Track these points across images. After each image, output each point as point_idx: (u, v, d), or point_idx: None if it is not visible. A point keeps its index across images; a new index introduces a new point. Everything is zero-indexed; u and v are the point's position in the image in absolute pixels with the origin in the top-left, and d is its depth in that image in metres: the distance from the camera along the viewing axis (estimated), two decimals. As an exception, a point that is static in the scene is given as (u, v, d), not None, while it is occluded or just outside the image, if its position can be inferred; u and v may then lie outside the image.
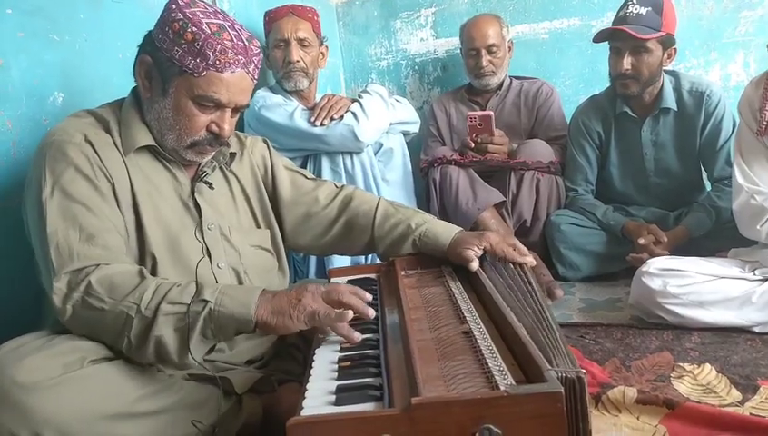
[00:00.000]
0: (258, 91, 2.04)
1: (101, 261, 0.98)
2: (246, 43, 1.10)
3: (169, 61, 1.07)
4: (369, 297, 1.02)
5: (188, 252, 1.14)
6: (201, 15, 1.07)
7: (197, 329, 0.93)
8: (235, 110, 1.14)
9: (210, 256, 1.16)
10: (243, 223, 1.28)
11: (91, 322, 0.95)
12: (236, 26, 1.11)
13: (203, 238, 1.17)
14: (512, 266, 1.18)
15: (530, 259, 1.20)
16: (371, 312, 0.98)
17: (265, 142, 1.40)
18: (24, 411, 0.84)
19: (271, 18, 2.03)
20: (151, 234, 1.09)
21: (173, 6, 1.08)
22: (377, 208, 1.35)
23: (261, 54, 1.15)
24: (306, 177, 1.41)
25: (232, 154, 1.28)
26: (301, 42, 2.00)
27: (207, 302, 0.94)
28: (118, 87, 1.25)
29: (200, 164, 1.20)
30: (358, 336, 0.95)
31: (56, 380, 0.87)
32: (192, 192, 1.18)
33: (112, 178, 1.07)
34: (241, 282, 1.21)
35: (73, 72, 1.44)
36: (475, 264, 1.16)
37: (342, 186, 1.41)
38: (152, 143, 1.13)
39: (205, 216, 1.18)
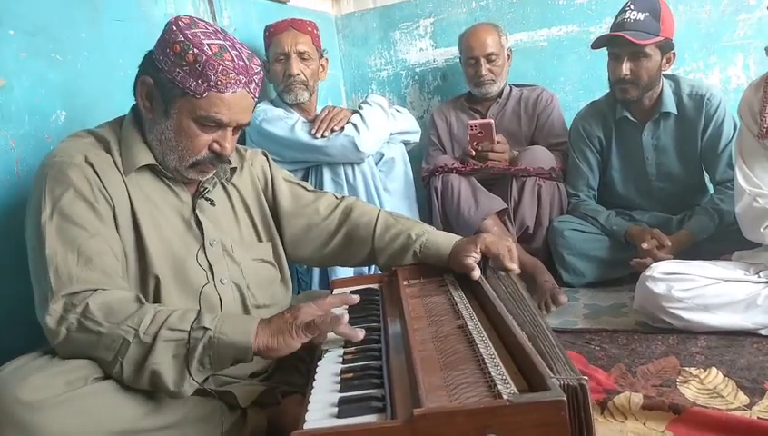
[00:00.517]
0: (259, 104, 2.05)
1: (98, 285, 0.98)
2: (247, 62, 1.10)
3: (171, 82, 1.08)
4: (356, 299, 1.08)
5: (191, 270, 1.14)
6: (201, 36, 1.07)
7: (196, 356, 0.93)
8: (236, 128, 1.15)
9: (212, 273, 1.17)
10: (245, 237, 1.28)
11: (84, 345, 0.94)
12: (237, 45, 1.11)
13: (206, 255, 1.17)
14: (502, 274, 1.19)
15: (516, 266, 1.21)
16: (359, 334, 0.99)
17: (265, 154, 1.41)
18: (29, 430, 0.84)
19: (272, 32, 2.05)
20: (153, 254, 1.10)
21: (174, 28, 1.08)
22: (377, 219, 1.35)
23: (262, 73, 1.16)
24: (306, 189, 1.41)
25: (233, 170, 1.29)
26: (301, 55, 2.01)
27: (207, 329, 0.94)
28: (120, 105, 1.26)
29: (201, 181, 1.21)
30: (361, 333, 0.97)
31: (61, 398, 0.88)
32: (194, 209, 1.19)
33: (112, 200, 1.08)
34: (243, 297, 1.21)
35: (75, 90, 1.46)
36: (477, 273, 1.16)
37: (342, 197, 1.42)
38: (153, 162, 1.14)
39: (207, 233, 1.18)
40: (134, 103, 1.17)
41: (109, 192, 1.08)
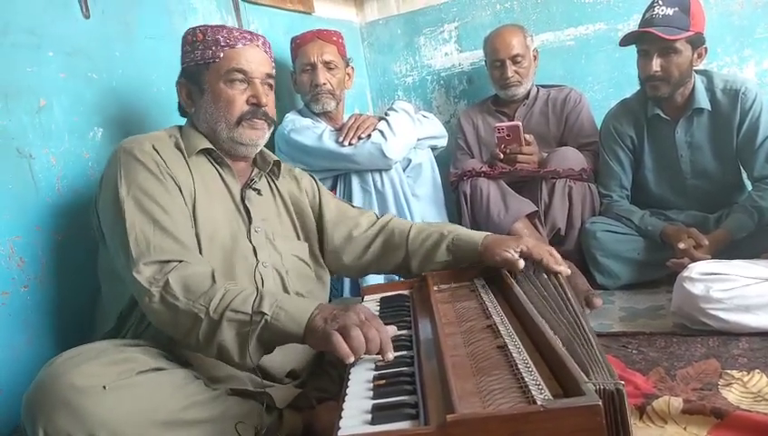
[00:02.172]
0: (287, 115, 2.08)
1: (177, 255, 1.07)
2: (248, 30, 1.25)
3: (195, 67, 1.26)
4: (390, 358, 0.96)
5: (239, 249, 1.22)
6: (204, 24, 1.28)
7: (254, 337, 1.00)
8: (265, 84, 1.28)
9: (256, 256, 1.24)
10: (284, 232, 1.36)
11: (165, 314, 1.03)
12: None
13: (251, 239, 1.25)
14: (545, 276, 1.17)
15: (565, 268, 1.21)
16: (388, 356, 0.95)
17: (312, 176, 1.51)
18: (81, 413, 0.89)
19: (298, 44, 2.08)
20: (203, 233, 1.17)
21: (185, 32, 1.30)
22: (411, 227, 1.42)
23: (269, 43, 1.32)
24: (352, 206, 1.52)
25: (276, 163, 1.38)
26: (327, 65, 2.04)
27: (265, 314, 1.00)
28: (154, 120, 1.31)
29: (250, 173, 1.34)
30: (391, 355, 0.95)
31: (111, 386, 0.92)
32: (243, 197, 1.28)
33: (178, 181, 1.18)
34: (283, 282, 1.28)
35: (111, 107, 1.51)
36: (521, 263, 1.19)
37: (383, 214, 1.50)
38: (209, 145, 1.26)
39: (254, 219, 1.27)
40: (183, 117, 1.35)
41: (175, 174, 1.18)
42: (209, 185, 1.24)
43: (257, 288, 1.12)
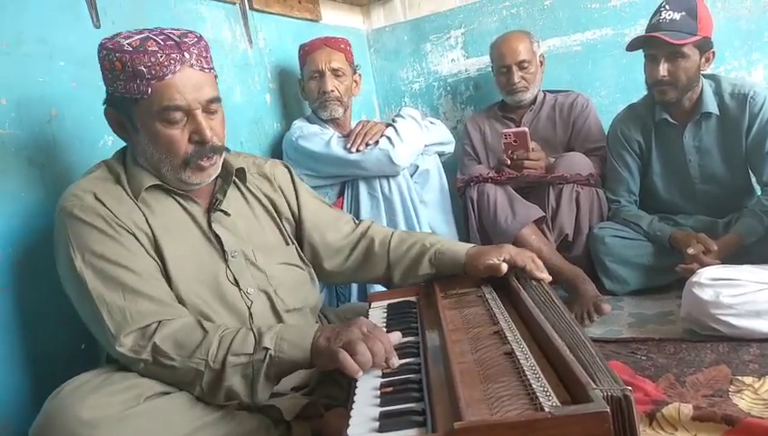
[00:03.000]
0: (295, 121, 2.10)
1: (156, 316, 1.03)
2: (177, 39, 1.06)
3: (121, 98, 1.07)
4: (396, 363, 0.98)
5: (216, 285, 1.15)
6: (122, 40, 1.06)
7: (261, 375, 1.00)
8: (207, 110, 1.10)
9: (238, 285, 1.18)
10: (270, 242, 1.28)
11: (163, 376, 1.01)
12: (164, 31, 1.08)
13: (229, 267, 1.18)
14: (533, 283, 1.18)
15: (547, 275, 1.22)
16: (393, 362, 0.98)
17: (286, 166, 1.41)
18: None
19: (306, 51, 2.09)
20: (178, 276, 1.11)
21: (100, 49, 1.09)
22: (392, 235, 1.39)
23: (205, 42, 1.11)
24: (328, 207, 1.44)
25: (240, 170, 1.26)
26: (335, 72, 2.05)
27: (267, 349, 1.00)
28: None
29: (213, 193, 1.21)
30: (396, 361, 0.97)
31: (118, 416, 0.92)
32: (210, 223, 1.19)
33: (132, 230, 1.08)
34: (273, 303, 1.22)
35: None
36: (504, 267, 1.20)
37: (360, 221, 1.44)
38: (156, 182, 1.14)
39: (227, 245, 1.18)
40: None
41: (125, 223, 1.08)
42: (168, 222, 1.14)
43: (250, 323, 1.12)
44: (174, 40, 1.06)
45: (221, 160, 1.18)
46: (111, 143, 1.49)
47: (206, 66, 1.10)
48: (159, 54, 1.04)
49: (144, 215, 1.12)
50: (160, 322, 1.02)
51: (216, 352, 1.00)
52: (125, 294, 1.03)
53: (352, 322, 1.02)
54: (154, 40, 1.05)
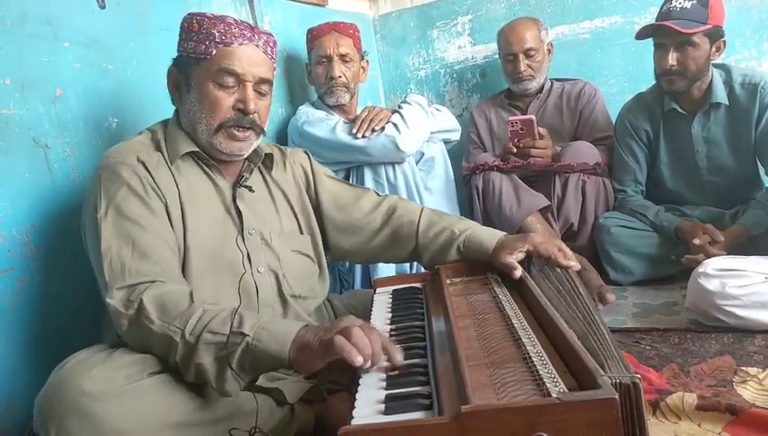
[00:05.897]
0: (300, 107, 2.08)
1: (153, 277, 1.02)
2: (253, 25, 1.16)
3: (186, 58, 1.17)
4: (400, 359, 0.91)
5: (229, 258, 1.17)
6: (206, 12, 1.19)
7: (234, 360, 0.94)
8: (258, 89, 1.18)
9: (250, 261, 1.19)
10: (285, 229, 1.31)
11: (142, 338, 0.99)
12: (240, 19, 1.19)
13: (244, 243, 1.20)
14: (558, 270, 1.17)
15: (575, 263, 1.20)
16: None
17: (306, 153, 1.44)
18: (92, 419, 0.89)
19: (314, 36, 2.07)
20: (192, 242, 1.13)
21: (185, 16, 1.21)
22: (420, 217, 1.36)
23: (275, 39, 1.22)
24: (348, 186, 1.44)
25: (268, 155, 1.31)
26: (343, 58, 2.03)
27: (245, 335, 0.94)
28: (167, 110, 1.31)
29: (240, 169, 1.25)
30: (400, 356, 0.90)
31: (121, 390, 0.92)
32: (234, 198, 1.22)
33: (164, 196, 1.12)
34: (280, 286, 1.23)
35: (125, 98, 1.52)
36: (518, 272, 1.16)
37: (385, 196, 1.43)
38: (194, 148, 1.18)
39: (246, 222, 1.21)
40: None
41: (160, 188, 1.12)
42: (196, 191, 1.18)
43: (257, 301, 1.09)
44: (250, 25, 1.19)
45: (255, 141, 1.23)
46: (116, 124, 1.48)
47: (270, 53, 1.22)
48: (233, 27, 1.16)
49: (176, 181, 1.16)
50: (153, 281, 1.01)
51: (195, 325, 0.95)
52: (134, 251, 1.04)
53: (342, 318, 0.97)
54: (232, 18, 1.18)
